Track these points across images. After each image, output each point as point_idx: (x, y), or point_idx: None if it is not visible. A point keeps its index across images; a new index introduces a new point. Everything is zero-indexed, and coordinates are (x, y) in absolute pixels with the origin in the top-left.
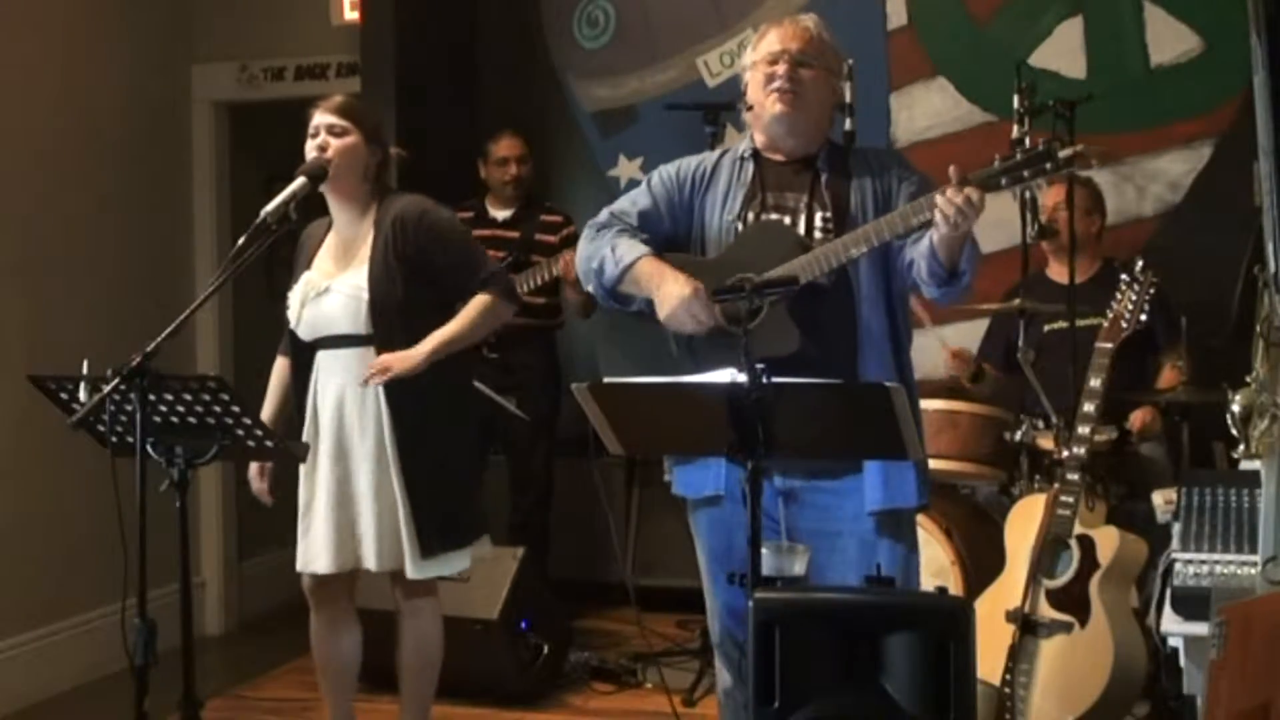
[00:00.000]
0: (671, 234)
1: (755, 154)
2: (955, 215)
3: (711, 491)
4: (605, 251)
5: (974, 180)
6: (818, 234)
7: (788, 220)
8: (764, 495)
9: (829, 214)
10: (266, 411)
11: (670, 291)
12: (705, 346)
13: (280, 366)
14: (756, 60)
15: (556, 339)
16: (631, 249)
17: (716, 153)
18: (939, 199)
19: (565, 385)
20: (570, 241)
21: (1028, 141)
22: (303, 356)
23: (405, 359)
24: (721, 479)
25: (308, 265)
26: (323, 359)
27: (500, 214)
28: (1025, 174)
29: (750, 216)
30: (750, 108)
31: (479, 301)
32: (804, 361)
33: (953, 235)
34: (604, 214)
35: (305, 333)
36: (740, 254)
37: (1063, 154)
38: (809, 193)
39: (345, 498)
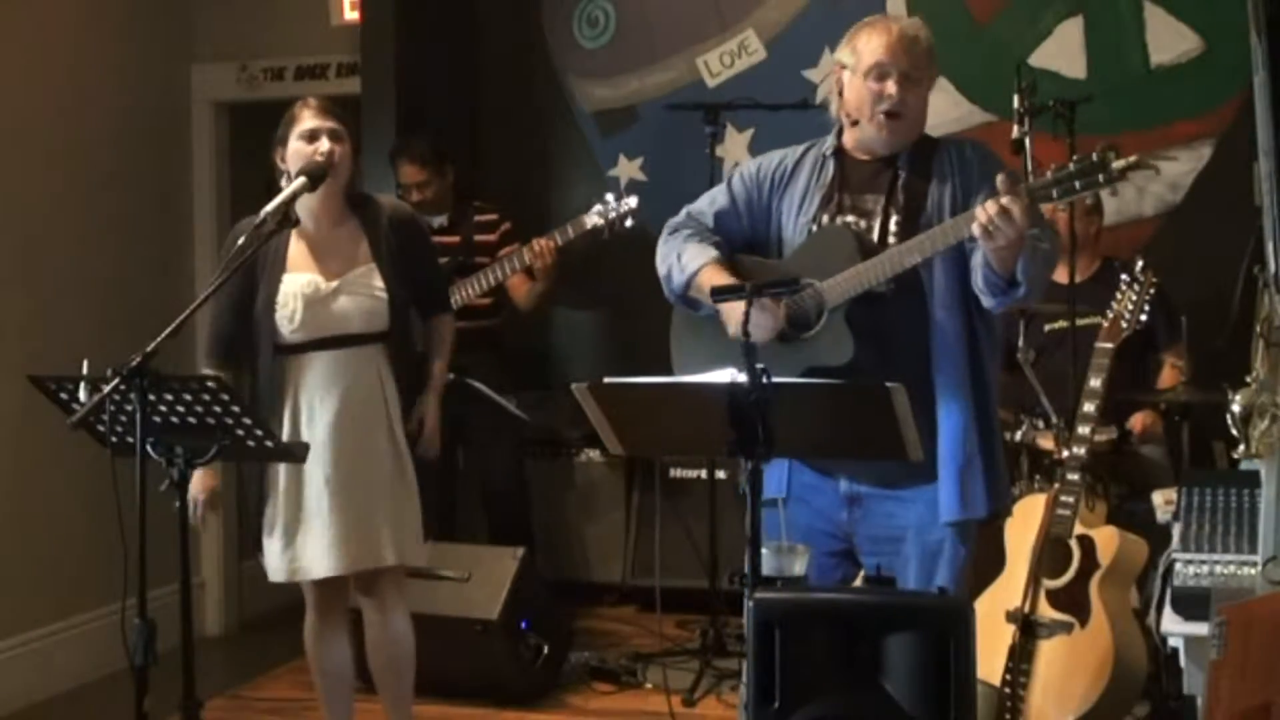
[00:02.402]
0: (750, 235)
1: (839, 152)
2: (989, 225)
3: (774, 494)
4: (673, 259)
5: (1024, 190)
6: (892, 238)
7: (864, 223)
8: (827, 500)
9: (900, 218)
10: None
11: (729, 305)
12: (764, 352)
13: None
14: (860, 69)
15: (503, 338)
16: (696, 256)
17: (800, 149)
18: (981, 207)
19: (519, 382)
20: (509, 238)
21: (1028, 153)
22: (272, 361)
23: (435, 409)
24: (784, 483)
25: (282, 267)
26: (314, 361)
27: (435, 220)
28: (1078, 185)
29: (825, 219)
30: (841, 106)
31: (448, 326)
32: (863, 370)
33: (995, 247)
34: (681, 214)
35: (302, 334)
36: (804, 260)
37: (1117, 164)
38: (886, 195)
39: (352, 498)
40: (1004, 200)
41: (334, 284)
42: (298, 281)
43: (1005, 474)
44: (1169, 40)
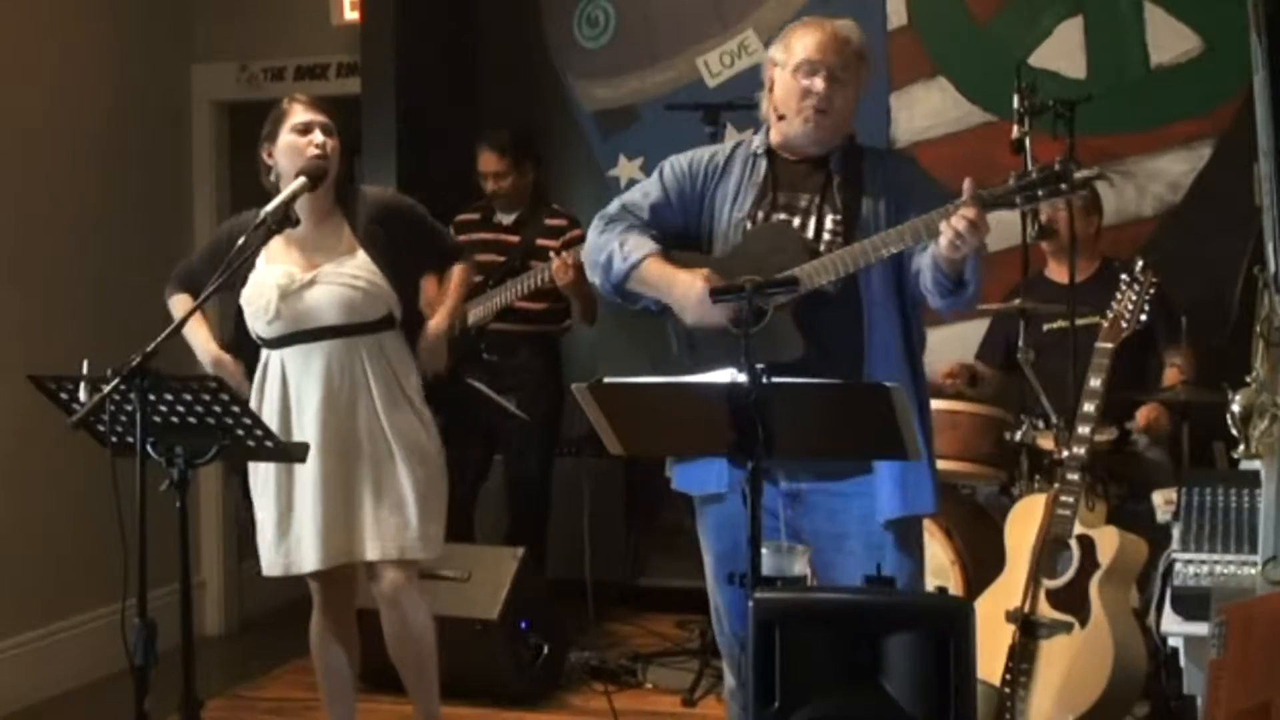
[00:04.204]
0: (683, 227)
1: (769, 151)
2: (956, 239)
3: (715, 489)
4: (613, 246)
5: (988, 197)
6: (826, 236)
7: (797, 221)
8: (767, 496)
9: (839, 217)
10: (203, 336)
11: (685, 293)
12: (706, 346)
13: (185, 300)
14: (790, 65)
15: (559, 344)
16: (639, 246)
17: (729, 145)
18: (946, 222)
19: (566, 391)
20: (573, 245)
21: (1028, 153)
22: (254, 354)
23: (438, 337)
24: (724, 476)
25: (252, 264)
26: (295, 354)
27: (505, 218)
28: (1040, 193)
29: (760, 215)
30: (770, 101)
31: (463, 271)
32: (805, 367)
33: (959, 256)
34: (615, 205)
35: (280, 328)
36: (747, 254)
37: (1078, 175)
38: (820, 195)
39: (334, 492)
40: (972, 214)
41: (309, 276)
42: (273, 274)
43: (937, 474)
44: (1169, 40)
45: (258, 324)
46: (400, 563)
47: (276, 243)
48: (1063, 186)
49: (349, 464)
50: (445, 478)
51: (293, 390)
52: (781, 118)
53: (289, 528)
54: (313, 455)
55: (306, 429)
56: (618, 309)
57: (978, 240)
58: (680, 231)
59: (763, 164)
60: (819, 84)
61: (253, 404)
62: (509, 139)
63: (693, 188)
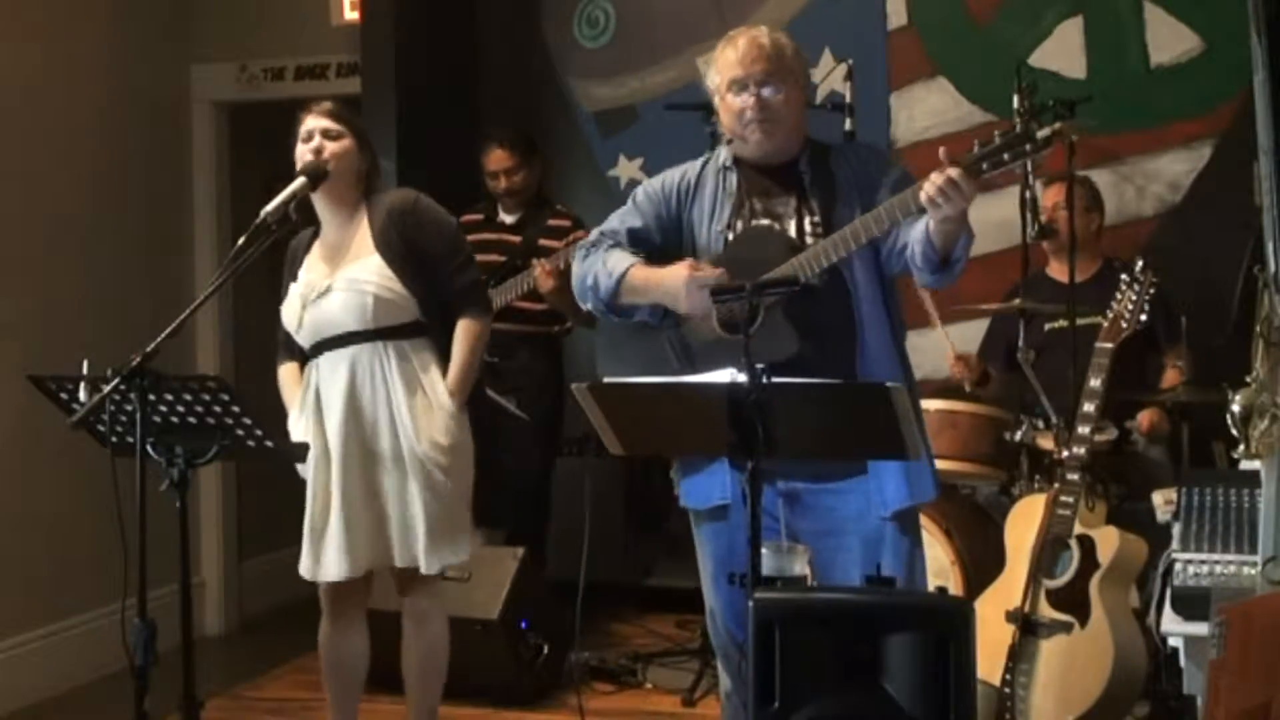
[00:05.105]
0: (662, 248)
1: (736, 162)
2: (938, 196)
3: (719, 500)
4: (597, 268)
5: (961, 164)
6: (809, 238)
7: (777, 226)
8: (766, 498)
9: (817, 219)
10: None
11: (673, 285)
12: (704, 355)
13: (292, 369)
14: (722, 87)
15: (559, 345)
16: (621, 259)
17: (699, 162)
18: (925, 182)
19: (567, 391)
20: (576, 245)
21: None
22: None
23: (457, 403)
24: (728, 487)
25: (293, 276)
26: (325, 362)
27: (508, 218)
28: (1005, 156)
29: (739, 226)
30: (724, 128)
31: (468, 330)
32: (802, 364)
33: (943, 218)
34: (594, 234)
35: (306, 337)
36: (734, 259)
37: (1040, 133)
38: (796, 197)
39: (359, 500)
40: (951, 173)
41: (326, 284)
42: (301, 285)
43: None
44: (1169, 40)
45: (294, 335)
46: (417, 572)
47: (315, 252)
48: (1027, 147)
49: (371, 472)
50: (470, 487)
51: (322, 398)
52: (730, 141)
53: (321, 534)
54: (337, 463)
55: (331, 437)
56: (612, 327)
57: (960, 199)
58: (660, 253)
59: (733, 176)
60: (750, 99)
61: (294, 411)
62: (516, 133)
63: (668, 209)
